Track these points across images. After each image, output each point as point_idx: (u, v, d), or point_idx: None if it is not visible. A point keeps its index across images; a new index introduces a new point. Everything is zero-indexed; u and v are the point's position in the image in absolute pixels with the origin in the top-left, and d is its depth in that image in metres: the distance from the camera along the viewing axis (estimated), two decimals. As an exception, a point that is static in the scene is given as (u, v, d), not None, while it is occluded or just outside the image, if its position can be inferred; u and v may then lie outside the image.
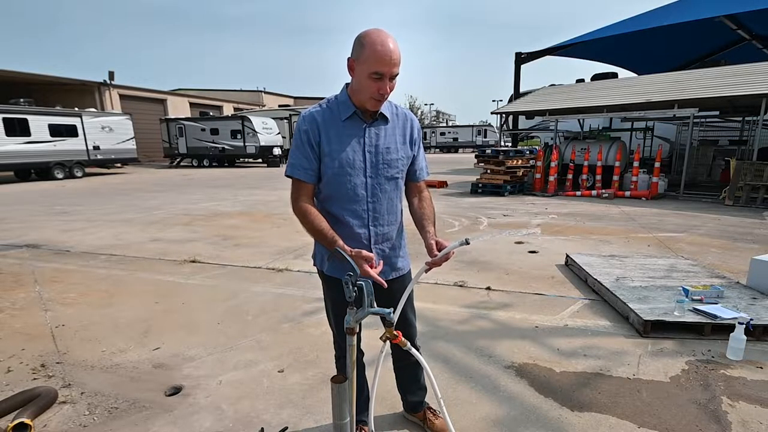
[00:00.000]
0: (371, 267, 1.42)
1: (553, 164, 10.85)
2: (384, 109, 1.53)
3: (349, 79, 1.50)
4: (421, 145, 1.70)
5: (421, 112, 68.39)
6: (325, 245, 1.50)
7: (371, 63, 1.36)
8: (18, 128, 15.52)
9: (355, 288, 1.20)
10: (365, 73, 1.38)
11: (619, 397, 2.20)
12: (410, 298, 1.80)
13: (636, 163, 10.15)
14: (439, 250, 1.48)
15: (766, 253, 3.59)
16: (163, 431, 1.99)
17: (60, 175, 16.60)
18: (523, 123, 16.96)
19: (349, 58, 1.43)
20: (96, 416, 2.10)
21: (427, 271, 1.49)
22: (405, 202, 1.72)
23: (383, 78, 1.38)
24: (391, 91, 1.44)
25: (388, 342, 1.43)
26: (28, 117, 15.88)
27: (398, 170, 1.60)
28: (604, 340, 2.83)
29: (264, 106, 36.63)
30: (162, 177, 17.01)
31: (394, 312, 1.55)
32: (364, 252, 1.40)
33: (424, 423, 1.99)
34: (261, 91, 40.15)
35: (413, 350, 1.50)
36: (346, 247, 1.43)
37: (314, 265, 1.72)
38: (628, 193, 9.88)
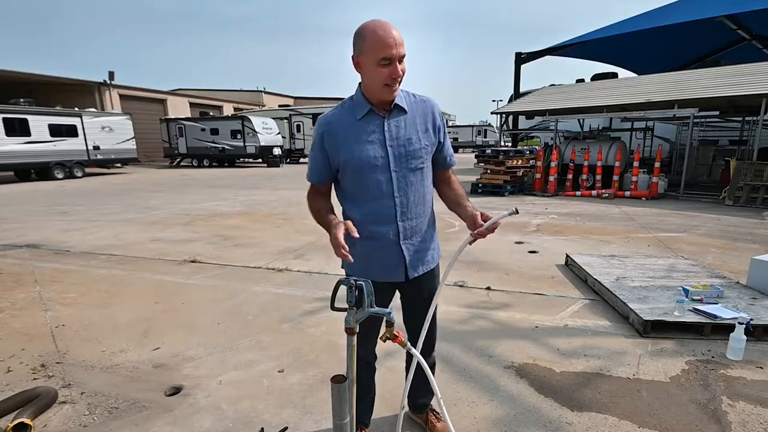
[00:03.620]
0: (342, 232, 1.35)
1: (553, 164, 10.84)
2: (399, 100, 1.49)
3: (359, 78, 1.46)
4: (446, 131, 1.64)
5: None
6: (325, 228, 1.48)
7: (377, 50, 1.34)
8: (18, 128, 15.51)
9: (356, 290, 1.20)
10: (373, 63, 1.36)
11: (619, 397, 2.20)
12: (434, 300, 1.74)
13: (636, 163, 10.14)
14: (484, 221, 1.42)
15: (766, 253, 3.60)
16: (163, 431, 1.99)
17: (60, 175, 16.59)
18: (523, 123, 16.96)
19: (353, 56, 1.42)
20: (96, 416, 2.10)
21: (471, 242, 1.44)
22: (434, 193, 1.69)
23: (392, 61, 1.36)
24: (403, 74, 1.41)
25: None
26: (28, 117, 15.87)
27: (422, 160, 1.55)
28: (604, 340, 2.83)
29: (264, 106, 36.60)
30: (162, 177, 17.01)
31: (428, 309, 1.67)
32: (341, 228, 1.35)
33: (426, 424, 1.99)
34: (261, 91, 40.11)
35: (413, 350, 1.49)
36: (334, 221, 1.41)
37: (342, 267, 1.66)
38: (628, 193, 9.87)
